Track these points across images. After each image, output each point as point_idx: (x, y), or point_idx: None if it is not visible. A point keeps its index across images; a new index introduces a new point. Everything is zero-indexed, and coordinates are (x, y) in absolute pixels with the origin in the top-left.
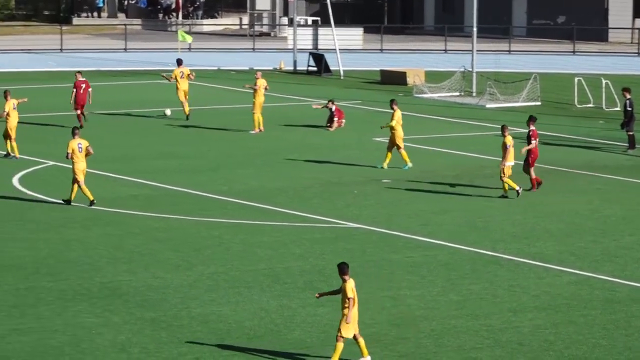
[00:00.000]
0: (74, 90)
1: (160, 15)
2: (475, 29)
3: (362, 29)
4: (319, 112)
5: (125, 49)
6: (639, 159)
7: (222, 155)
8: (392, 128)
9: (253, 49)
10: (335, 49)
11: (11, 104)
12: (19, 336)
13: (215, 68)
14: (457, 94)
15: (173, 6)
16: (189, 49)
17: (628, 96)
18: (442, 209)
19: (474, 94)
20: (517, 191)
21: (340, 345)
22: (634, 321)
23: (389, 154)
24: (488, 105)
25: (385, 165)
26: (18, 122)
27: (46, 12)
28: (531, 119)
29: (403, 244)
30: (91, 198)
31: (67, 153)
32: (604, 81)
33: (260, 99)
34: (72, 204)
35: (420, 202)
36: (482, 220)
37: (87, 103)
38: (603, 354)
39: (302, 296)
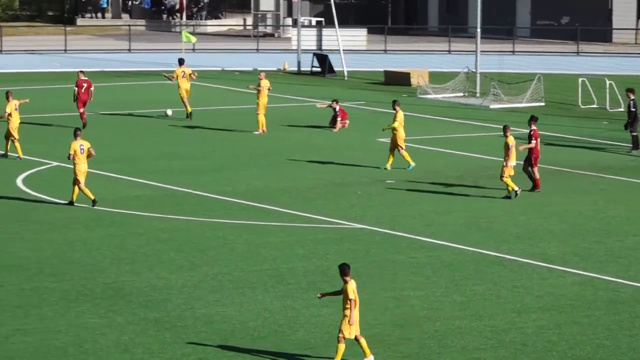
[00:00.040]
0: (76, 89)
1: (164, 16)
2: (479, 30)
3: (366, 29)
4: (323, 112)
5: (129, 50)
6: None
7: (226, 156)
8: (394, 129)
9: (257, 49)
10: (339, 50)
11: (13, 105)
12: (23, 336)
13: (219, 69)
14: (461, 94)
15: (177, 7)
16: (193, 49)
17: (632, 97)
18: (445, 210)
19: (478, 95)
20: (516, 192)
21: (341, 347)
22: (638, 322)
23: (392, 155)
24: (492, 106)
25: (388, 166)
26: (20, 123)
27: (50, 13)
28: (532, 119)
29: (407, 244)
30: (92, 197)
31: (69, 154)
32: (607, 82)
33: (264, 99)
34: (75, 204)
35: (424, 202)
36: (486, 221)
37: (89, 101)
38: (607, 355)
39: (306, 297)
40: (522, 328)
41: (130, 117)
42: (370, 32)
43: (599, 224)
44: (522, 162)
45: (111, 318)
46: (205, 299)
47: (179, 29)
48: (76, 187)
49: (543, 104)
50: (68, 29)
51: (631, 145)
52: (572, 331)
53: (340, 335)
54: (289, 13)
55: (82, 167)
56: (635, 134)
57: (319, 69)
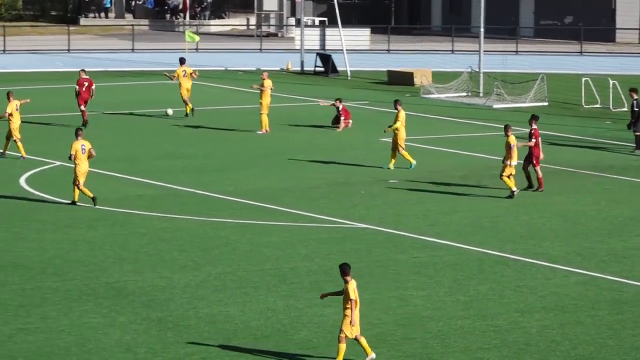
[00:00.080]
0: (77, 87)
1: (168, 16)
2: (482, 30)
3: (369, 29)
4: (326, 112)
5: (132, 50)
6: None
7: (228, 156)
8: (396, 129)
9: (260, 49)
10: (342, 50)
11: (14, 105)
12: (26, 336)
13: (223, 68)
14: (464, 94)
15: (180, 7)
16: (196, 49)
17: (635, 96)
18: (449, 209)
19: (481, 95)
20: (513, 192)
21: (342, 347)
22: None
23: (395, 155)
24: (495, 106)
25: (391, 165)
26: (21, 123)
27: (53, 13)
28: (533, 118)
29: (410, 244)
30: (91, 195)
31: (71, 154)
32: (611, 82)
33: (267, 99)
34: (77, 204)
35: (427, 202)
36: (489, 221)
37: (90, 99)
38: (610, 354)
39: (309, 296)
40: (526, 328)
41: (133, 117)
42: (373, 31)
43: (602, 224)
44: (522, 162)
45: (114, 317)
46: (208, 298)
47: (182, 28)
48: (86, 189)
49: (546, 103)
50: (71, 28)
51: (634, 145)
52: (575, 331)
53: (342, 335)
54: (292, 13)
55: (83, 167)
56: (638, 133)
57: (322, 69)
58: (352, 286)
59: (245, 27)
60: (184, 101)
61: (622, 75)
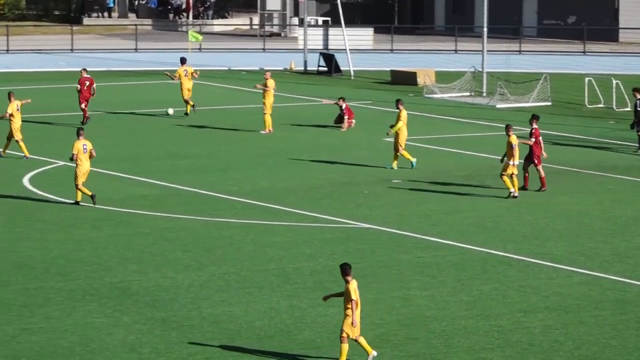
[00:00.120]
0: (78, 86)
1: (171, 16)
2: (485, 29)
3: (372, 29)
4: (329, 112)
5: (135, 49)
6: None
7: (232, 155)
8: (398, 129)
9: (263, 49)
10: (345, 49)
11: (14, 106)
12: (29, 336)
13: (226, 68)
14: (468, 94)
15: (183, 6)
16: (200, 49)
17: (638, 96)
18: (452, 209)
19: (485, 94)
20: (510, 193)
21: (345, 347)
22: None
23: (397, 155)
24: (498, 106)
25: (394, 165)
26: (22, 123)
27: (57, 12)
28: (534, 118)
29: (413, 244)
30: (90, 194)
31: (73, 154)
32: (614, 81)
33: (270, 99)
34: (80, 204)
35: (431, 202)
36: (493, 221)
37: (91, 97)
38: (613, 355)
39: (313, 296)
40: (529, 328)
41: (136, 117)
42: (376, 31)
43: (605, 224)
44: (523, 161)
45: (118, 317)
46: (211, 298)
47: (186, 28)
48: (85, 188)
49: (550, 103)
50: (75, 28)
51: (638, 145)
52: (578, 331)
53: (343, 335)
54: (296, 12)
55: (85, 167)
56: None
57: (325, 69)
58: (353, 286)
59: (248, 27)
60: (185, 101)
61: (625, 75)
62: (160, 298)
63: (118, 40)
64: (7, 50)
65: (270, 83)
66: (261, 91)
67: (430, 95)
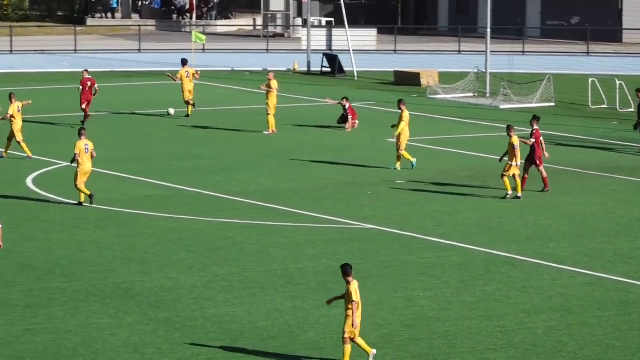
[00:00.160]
0: (80, 87)
1: (174, 16)
2: (489, 30)
3: (376, 29)
4: (333, 113)
5: (139, 50)
6: None
7: (235, 156)
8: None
9: (267, 49)
10: (349, 50)
11: (15, 107)
12: (33, 336)
13: (229, 69)
14: (471, 94)
15: (187, 7)
16: (203, 49)
17: None
18: (455, 210)
19: (488, 95)
20: (507, 194)
21: (348, 348)
22: None
23: (400, 155)
24: (502, 106)
25: (398, 166)
26: (23, 124)
27: (60, 13)
28: (534, 119)
29: (417, 245)
30: (88, 193)
31: (75, 154)
32: (617, 82)
33: (273, 100)
34: (84, 204)
35: (434, 203)
36: (496, 222)
37: (93, 97)
38: (617, 356)
39: (316, 297)
40: (532, 329)
41: (139, 117)
42: (380, 32)
43: (609, 225)
44: (524, 162)
45: (121, 318)
46: (215, 299)
47: (189, 29)
48: (84, 188)
49: (553, 104)
50: (78, 29)
51: None
52: (582, 332)
53: (346, 336)
54: (299, 13)
55: (86, 167)
56: None
57: (329, 69)
58: (354, 287)
59: (252, 28)
60: (186, 102)
61: (628, 75)
62: (164, 299)
63: (121, 41)
64: (11, 51)
65: (274, 84)
66: (264, 92)
67: (433, 96)
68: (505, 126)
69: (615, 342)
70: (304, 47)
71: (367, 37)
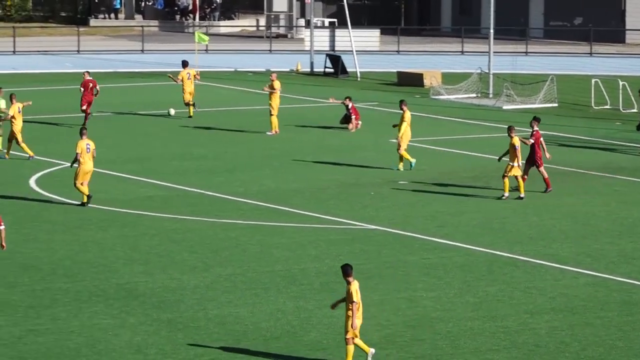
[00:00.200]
0: (82, 89)
1: (177, 17)
2: (492, 31)
3: (379, 30)
4: (335, 113)
5: (142, 51)
6: None
7: (238, 157)
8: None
9: (270, 50)
10: (352, 51)
11: (16, 108)
12: (36, 337)
13: (232, 69)
14: (474, 95)
15: (190, 8)
16: (206, 50)
17: None
18: (458, 211)
19: (491, 96)
20: (504, 195)
21: (350, 348)
22: None
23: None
24: (505, 107)
25: (401, 167)
26: (23, 125)
27: (63, 14)
28: (535, 120)
29: (419, 245)
30: (87, 193)
31: (77, 154)
32: (620, 83)
33: (276, 100)
34: (87, 205)
35: (437, 203)
36: (499, 222)
37: (95, 97)
38: (619, 356)
39: (319, 298)
40: (535, 329)
41: (142, 118)
42: (383, 32)
43: (611, 225)
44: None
45: (124, 319)
46: (218, 299)
47: (192, 29)
48: (84, 188)
49: (556, 104)
50: (81, 29)
51: None
52: (584, 332)
53: (348, 337)
54: (302, 14)
55: (88, 167)
56: None
57: (331, 70)
58: (354, 287)
59: (254, 28)
60: (186, 104)
61: (632, 76)
62: (167, 299)
63: (124, 41)
64: (14, 52)
65: (277, 84)
66: (267, 93)
67: (436, 97)
68: (507, 127)
69: (618, 342)
70: (307, 48)
71: (370, 37)
